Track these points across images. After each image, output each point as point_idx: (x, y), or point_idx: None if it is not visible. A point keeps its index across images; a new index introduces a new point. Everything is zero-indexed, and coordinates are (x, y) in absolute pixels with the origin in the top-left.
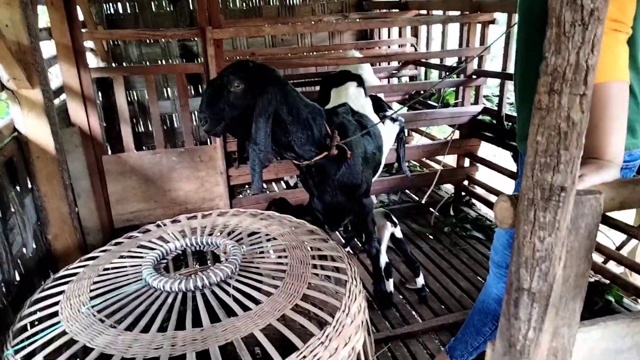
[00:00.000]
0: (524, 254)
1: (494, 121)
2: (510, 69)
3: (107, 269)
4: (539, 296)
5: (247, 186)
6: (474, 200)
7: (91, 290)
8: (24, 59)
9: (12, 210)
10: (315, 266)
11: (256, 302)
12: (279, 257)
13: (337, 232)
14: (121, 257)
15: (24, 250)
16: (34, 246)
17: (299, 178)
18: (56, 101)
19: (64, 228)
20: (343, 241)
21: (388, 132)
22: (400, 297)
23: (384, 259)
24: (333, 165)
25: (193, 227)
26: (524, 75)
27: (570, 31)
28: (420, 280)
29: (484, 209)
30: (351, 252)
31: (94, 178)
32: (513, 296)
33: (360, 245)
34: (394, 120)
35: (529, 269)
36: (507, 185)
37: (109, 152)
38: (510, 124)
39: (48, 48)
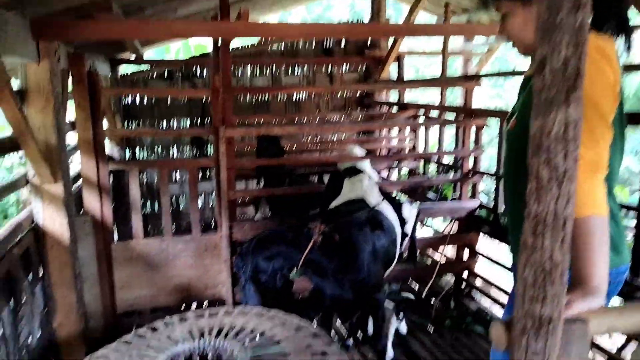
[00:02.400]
0: None
1: (491, 217)
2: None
3: None
4: None
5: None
6: (474, 292)
7: None
8: (51, 157)
9: (23, 300)
10: None
11: None
12: None
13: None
14: (130, 358)
15: (29, 339)
16: (39, 334)
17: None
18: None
19: (70, 316)
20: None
21: (410, 216)
22: None
23: (389, 354)
24: (325, 259)
25: (200, 327)
26: (510, 187)
27: (548, 186)
28: None
29: (484, 301)
30: (350, 344)
31: (101, 264)
32: None
33: (361, 338)
34: (411, 203)
35: None
36: (507, 278)
37: (116, 236)
38: (506, 219)
39: (69, 139)
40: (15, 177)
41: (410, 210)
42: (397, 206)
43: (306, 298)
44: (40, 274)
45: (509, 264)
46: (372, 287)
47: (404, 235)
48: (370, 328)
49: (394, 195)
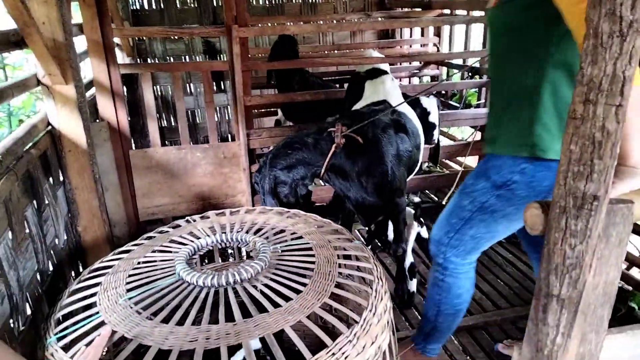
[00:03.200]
0: (554, 261)
1: None
2: None
3: (141, 262)
4: (568, 302)
5: None
6: None
7: (127, 283)
8: (59, 55)
9: (46, 202)
10: (340, 265)
11: (286, 299)
12: (307, 255)
13: (356, 231)
14: (154, 251)
15: (56, 241)
16: (65, 237)
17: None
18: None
19: (94, 221)
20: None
21: (430, 106)
22: (420, 297)
23: (409, 259)
24: (349, 162)
25: (222, 224)
26: (495, 83)
27: (608, 42)
28: None
29: None
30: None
31: (121, 172)
32: (542, 302)
33: (380, 244)
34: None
35: (559, 275)
36: None
37: (134, 147)
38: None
39: (78, 44)
40: (26, 76)
41: (429, 102)
42: (415, 103)
43: (327, 205)
44: (61, 179)
45: None
46: (395, 190)
47: (431, 126)
48: (390, 234)
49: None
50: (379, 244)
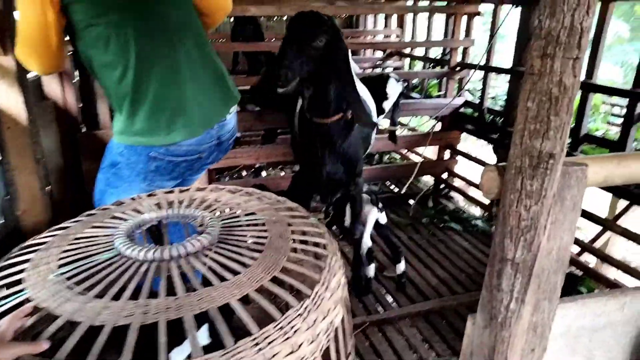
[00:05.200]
0: (509, 224)
1: (476, 114)
2: (495, 63)
3: (78, 238)
4: (523, 267)
5: (225, 172)
6: (452, 193)
7: (60, 259)
8: None
9: None
10: (294, 241)
11: (234, 273)
12: (259, 231)
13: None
14: (93, 227)
15: None
16: (2, 221)
17: (300, 145)
18: (29, 75)
19: (35, 204)
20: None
21: (393, 93)
22: (377, 284)
23: (366, 244)
24: (342, 133)
25: (170, 201)
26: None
27: None
28: (401, 267)
29: (462, 202)
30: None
31: (67, 155)
32: (496, 267)
33: (338, 231)
34: (397, 80)
35: (514, 238)
36: None
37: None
38: (491, 116)
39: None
40: None
41: (394, 87)
42: (380, 82)
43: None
44: (0, 159)
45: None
46: (360, 168)
47: (380, 111)
48: (348, 219)
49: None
50: (337, 231)
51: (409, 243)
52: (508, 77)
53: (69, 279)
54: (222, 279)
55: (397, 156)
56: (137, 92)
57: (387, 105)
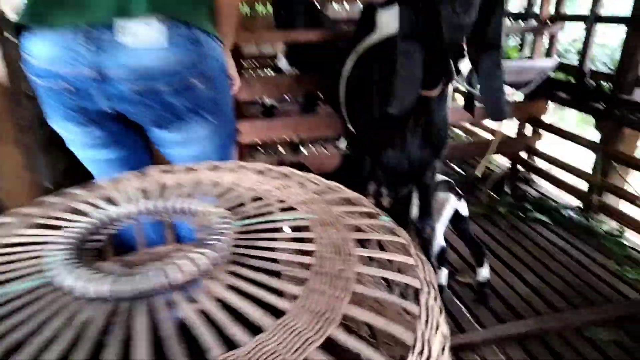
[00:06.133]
0: None
1: (571, 79)
2: (603, 12)
3: (5, 245)
4: None
5: (256, 149)
6: (533, 176)
7: None
8: None
9: None
10: (362, 259)
11: (253, 330)
12: (299, 240)
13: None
14: (37, 226)
15: None
16: None
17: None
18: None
19: (19, 185)
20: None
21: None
22: (450, 292)
23: (439, 244)
24: (440, 107)
25: (165, 185)
26: None
27: None
28: (484, 272)
29: (546, 187)
30: None
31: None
32: None
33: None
34: None
35: None
36: (576, 157)
37: None
38: (593, 83)
39: None
40: None
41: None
42: None
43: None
44: None
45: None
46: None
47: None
48: (414, 209)
49: None
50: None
51: (485, 238)
52: (619, 30)
53: None
54: (230, 343)
55: (461, 132)
56: None
57: (465, 65)
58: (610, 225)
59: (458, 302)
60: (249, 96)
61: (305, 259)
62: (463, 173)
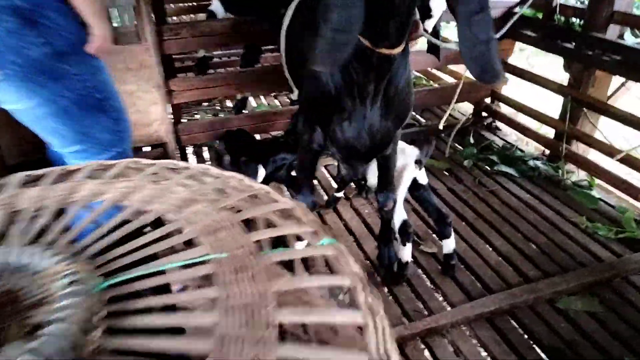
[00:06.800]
0: None
1: (539, 15)
2: None
3: None
4: None
5: (190, 107)
6: (498, 123)
7: None
8: None
9: None
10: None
11: None
12: (196, 293)
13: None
14: None
15: None
16: None
17: (333, 85)
18: None
19: None
20: (335, 186)
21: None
22: (417, 269)
23: (400, 216)
24: (401, 68)
25: (12, 212)
26: None
27: None
28: (450, 244)
29: (512, 135)
30: (342, 196)
31: None
32: None
33: (356, 188)
34: None
35: None
36: (544, 103)
37: None
38: (563, 18)
39: None
40: None
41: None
42: None
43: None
44: None
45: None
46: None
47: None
48: (372, 178)
49: None
50: (354, 187)
51: (450, 198)
52: None
53: None
54: None
55: (423, 77)
56: None
57: (430, 25)
58: (579, 175)
59: (424, 276)
60: (177, 49)
61: (200, 346)
62: (424, 122)
